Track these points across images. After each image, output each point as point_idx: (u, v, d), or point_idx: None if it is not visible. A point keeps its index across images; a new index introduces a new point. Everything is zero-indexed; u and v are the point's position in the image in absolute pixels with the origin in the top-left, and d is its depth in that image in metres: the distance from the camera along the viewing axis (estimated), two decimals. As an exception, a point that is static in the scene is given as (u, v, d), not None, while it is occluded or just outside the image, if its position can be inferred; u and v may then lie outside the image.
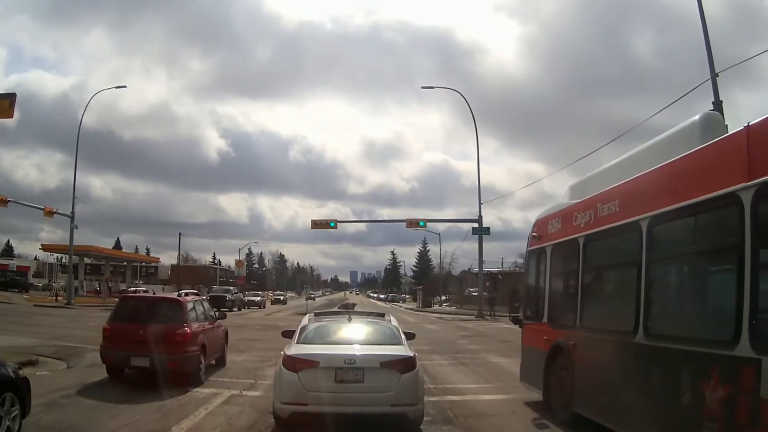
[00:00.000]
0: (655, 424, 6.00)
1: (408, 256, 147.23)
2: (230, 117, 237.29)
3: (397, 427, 7.71)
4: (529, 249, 11.11)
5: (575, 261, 8.48)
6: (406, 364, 7.71)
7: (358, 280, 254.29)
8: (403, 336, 8.47)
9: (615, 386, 6.95)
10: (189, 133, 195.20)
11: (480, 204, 39.54)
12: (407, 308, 74.67)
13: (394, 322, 9.08)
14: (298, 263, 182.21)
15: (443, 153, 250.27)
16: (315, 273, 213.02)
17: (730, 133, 5.64)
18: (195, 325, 12.23)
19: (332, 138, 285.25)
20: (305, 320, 9.00)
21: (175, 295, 14.09)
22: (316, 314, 9.56)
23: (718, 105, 15.76)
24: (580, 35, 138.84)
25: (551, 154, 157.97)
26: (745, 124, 5.12)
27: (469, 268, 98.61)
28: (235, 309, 45.81)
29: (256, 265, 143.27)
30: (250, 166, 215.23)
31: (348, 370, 7.58)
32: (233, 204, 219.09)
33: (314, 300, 66.44)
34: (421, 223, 42.25)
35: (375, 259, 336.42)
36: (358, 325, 8.94)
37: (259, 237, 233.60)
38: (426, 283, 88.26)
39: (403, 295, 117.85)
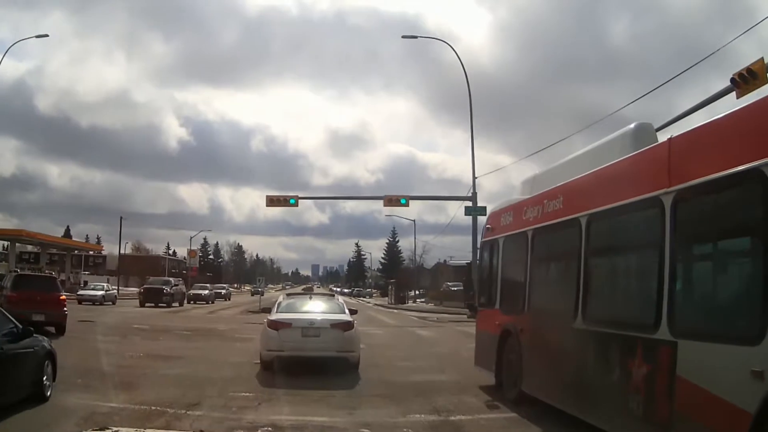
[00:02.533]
0: (590, 400, 6.76)
1: (373, 250, 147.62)
2: (191, 104, 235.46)
3: (341, 366, 12.06)
4: (483, 240, 11.84)
5: (524, 252, 9.30)
6: (347, 326, 12.43)
7: (320, 273, 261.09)
8: (347, 309, 13.39)
9: (556, 366, 7.65)
10: (148, 120, 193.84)
11: (474, 178, 34.02)
12: (377, 305, 69.74)
13: (340, 300, 14.48)
14: (257, 255, 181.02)
15: (409, 144, 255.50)
16: (275, 266, 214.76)
17: (655, 144, 6.57)
18: None
19: (296, 127, 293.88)
20: (281, 298, 14.05)
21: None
22: (288, 294, 15.70)
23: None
24: (552, 21, 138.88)
25: (520, 144, 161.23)
26: (668, 137, 5.99)
27: (445, 260, 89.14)
28: (176, 304, 41.61)
29: (212, 257, 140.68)
30: (210, 156, 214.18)
31: (310, 329, 12.22)
32: (193, 194, 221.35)
33: (262, 295, 61.71)
34: (402, 201, 36.44)
35: (337, 252, 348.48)
36: (317, 301, 14.09)
37: (219, 228, 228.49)
38: (398, 277, 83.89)
39: (369, 290, 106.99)
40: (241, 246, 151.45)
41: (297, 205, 34.74)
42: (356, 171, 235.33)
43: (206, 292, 51.95)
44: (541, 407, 8.20)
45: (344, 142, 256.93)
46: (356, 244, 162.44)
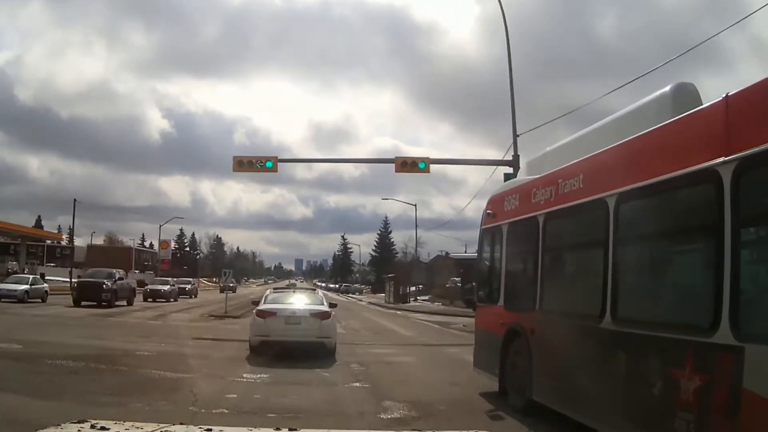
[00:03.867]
0: (622, 414, 6.05)
1: (359, 244, 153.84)
2: (173, 96, 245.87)
3: (320, 350, 14.55)
4: (483, 227, 11.01)
5: (534, 240, 8.55)
6: (324, 315, 14.97)
7: (304, 268, 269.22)
8: (325, 300, 16.30)
9: (577, 373, 6.99)
10: (130, 112, 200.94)
11: (516, 136, 24.80)
12: (372, 303, 64.56)
13: (320, 293, 18.58)
14: (237, 248, 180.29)
15: (394, 137, 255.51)
16: (257, 259, 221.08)
17: (708, 104, 5.58)
18: None
19: (279, 120, 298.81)
20: (268, 292, 16.97)
21: None
22: (274, 289, 18.70)
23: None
24: (540, 16, 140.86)
25: (507, 139, 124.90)
26: (724, 95, 5.12)
27: (446, 252, 78.80)
28: (122, 302, 34.61)
29: (188, 248, 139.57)
30: (192, 148, 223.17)
31: (292, 318, 14.82)
32: (175, 187, 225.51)
33: (234, 291, 56.94)
34: (421, 165, 26.75)
35: (321, 247, 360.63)
36: (299, 294, 17.06)
37: (201, 222, 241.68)
38: (396, 271, 75.64)
39: (358, 285, 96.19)
40: (220, 238, 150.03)
41: (275, 170, 27.25)
42: (340, 164, 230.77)
43: (167, 287, 45.89)
44: (553, 419, 7.50)
45: (328, 135, 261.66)
46: (342, 237, 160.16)
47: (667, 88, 6.62)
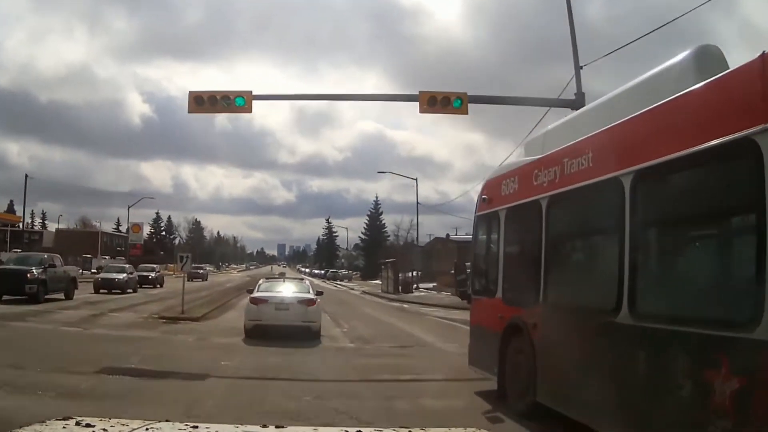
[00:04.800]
0: (642, 421, 5.63)
1: (341, 229, 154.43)
2: (154, 80, 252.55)
3: (306, 333, 16.74)
4: (477, 214, 10.48)
5: (536, 226, 8.02)
6: (310, 302, 17.46)
7: (287, 253, 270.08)
8: (312, 289, 18.95)
9: (588, 374, 6.56)
10: (110, 96, 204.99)
11: (579, 68, 18.78)
12: (366, 293, 58.35)
13: (307, 282, 21.02)
14: (218, 232, 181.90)
15: (378, 122, 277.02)
16: (239, 244, 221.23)
17: (741, 64, 5.04)
18: None
19: (262, 104, 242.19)
20: (261, 281, 19.60)
21: None
22: (267, 279, 21.07)
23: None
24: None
25: (491, 123, 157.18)
26: (761, 53, 4.66)
27: (448, 234, 71.63)
28: (60, 295, 28.20)
29: (165, 233, 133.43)
30: (174, 133, 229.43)
31: (282, 304, 17.19)
32: (157, 172, 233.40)
33: (204, 279, 58.26)
34: (456, 102, 18.61)
35: (304, 232, 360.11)
36: (288, 283, 19.78)
37: (183, 207, 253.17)
38: (399, 255, 67.23)
39: (345, 271, 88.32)
40: (199, 222, 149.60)
41: (248, 109, 19.57)
42: (324, 149, 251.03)
43: (122, 276, 38.41)
44: (559, 422, 7.12)
45: (312, 119, 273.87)
46: (327, 220, 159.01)
47: (689, 52, 6.08)
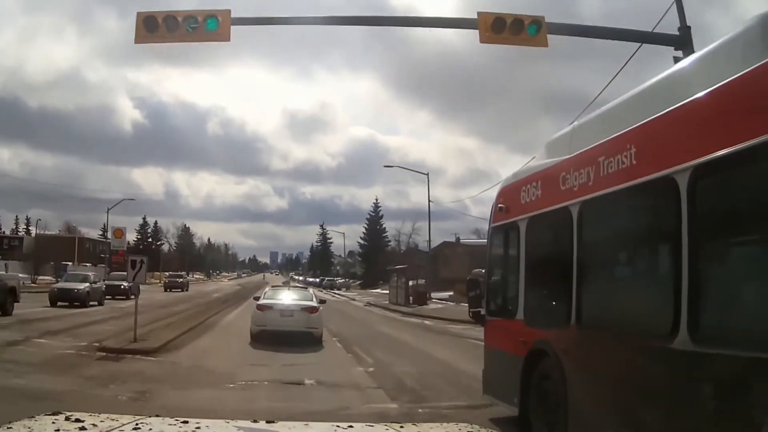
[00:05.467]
0: None
1: (335, 236, 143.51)
2: (145, 85, 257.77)
3: (308, 338, 18.21)
4: (493, 225, 9.69)
5: (566, 237, 7.18)
6: (313, 310, 19.13)
7: (279, 260, 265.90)
8: (315, 297, 20.79)
9: (632, 408, 5.83)
10: (101, 101, 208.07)
11: None
12: (371, 304, 50.36)
13: (310, 290, 23.25)
14: (209, 239, 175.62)
15: (371, 127, 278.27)
16: (230, 251, 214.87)
17: None
18: None
19: (254, 109, 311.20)
20: (266, 289, 22.90)
21: None
22: (272, 287, 23.92)
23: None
24: None
25: (486, 127, 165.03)
26: None
27: (457, 237, 66.32)
28: None
29: (151, 239, 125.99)
30: (165, 139, 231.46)
31: (286, 311, 18.81)
32: (148, 179, 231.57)
33: (184, 290, 54.23)
34: (531, 29, 13.35)
35: (297, 239, 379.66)
36: (293, 291, 21.62)
37: (175, 214, 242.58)
38: (402, 262, 61.28)
39: (343, 279, 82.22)
40: (188, 228, 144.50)
41: (224, 36, 13.61)
42: (316, 155, 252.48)
43: (83, 286, 32.50)
44: None
45: (304, 124, 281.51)
46: (321, 226, 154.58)
47: (753, 21, 5.30)
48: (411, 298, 47.44)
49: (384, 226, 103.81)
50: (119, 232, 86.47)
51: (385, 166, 65.18)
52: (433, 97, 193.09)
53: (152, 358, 14.75)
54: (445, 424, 2.79)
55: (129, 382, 11.45)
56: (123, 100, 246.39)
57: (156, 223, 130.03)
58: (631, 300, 6.40)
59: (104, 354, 14.88)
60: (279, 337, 17.77)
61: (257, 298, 20.61)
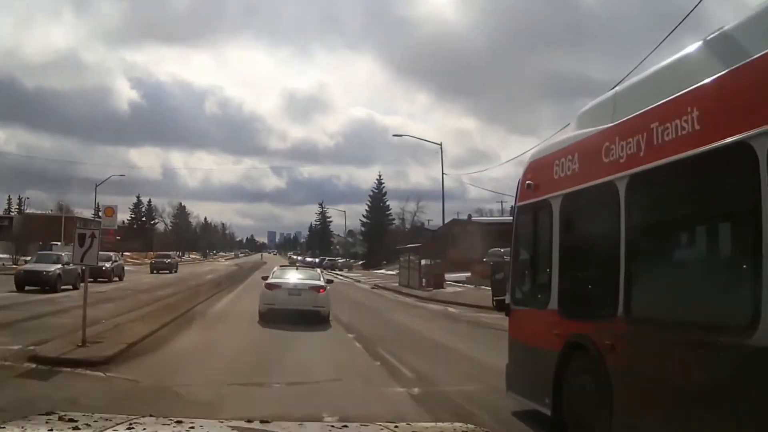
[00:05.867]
0: None
1: (336, 217, 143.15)
2: (142, 66, 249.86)
3: (315, 317, 18.78)
4: (519, 204, 8.88)
5: (611, 215, 6.38)
6: (320, 289, 19.81)
7: (277, 240, 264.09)
8: (322, 276, 21.63)
9: (696, 415, 5.13)
10: (98, 82, 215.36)
11: None
12: (378, 287, 46.26)
13: (318, 270, 24.65)
14: (205, 218, 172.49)
15: (370, 107, 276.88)
16: (227, 231, 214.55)
17: None
18: None
19: (252, 89, 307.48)
20: (275, 269, 22.67)
21: None
22: (280, 267, 25.06)
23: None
24: None
25: (485, 108, 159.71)
26: None
27: (469, 215, 62.69)
28: None
29: (145, 219, 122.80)
30: (163, 119, 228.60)
31: (294, 290, 19.44)
32: (146, 159, 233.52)
33: (172, 271, 50.11)
34: None
35: (295, 219, 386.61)
36: (302, 270, 23.17)
37: (173, 194, 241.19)
38: (425, 240, 58.40)
39: (344, 260, 78.62)
40: (184, 207, 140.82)
41: None
42: (314, 134, 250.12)
43: (53, 268, 28.63)
44: None
45: (302, 105, 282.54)
46: (320, 205, 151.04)
47: None
48: (425, 280, 42.48)
49: (387, 203, 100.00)
50: (110, 211, 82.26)
51: (394, 135, 62.40)
52: (433, 78, 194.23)
53: (100, 374, 10.38)
54: (439, 424, 2.94)
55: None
56: (120, 80, 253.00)
57: (150, 201, 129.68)
58: (694, 288, 5.69)
59: (34, 365, 10.54)
60: (286, 317, 18.19)
61: (265, 278, 21.42)
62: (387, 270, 72.53)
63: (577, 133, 7.64)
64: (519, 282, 8.90)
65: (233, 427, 2.53)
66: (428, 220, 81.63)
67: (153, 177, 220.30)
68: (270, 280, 20.31)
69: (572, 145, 7.54)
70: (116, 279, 39.39)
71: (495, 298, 9.34)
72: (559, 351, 7.12)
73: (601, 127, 6.98)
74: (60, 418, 2.57)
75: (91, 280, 35.18)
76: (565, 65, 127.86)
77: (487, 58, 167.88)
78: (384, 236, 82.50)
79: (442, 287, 40.38)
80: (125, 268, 49.31)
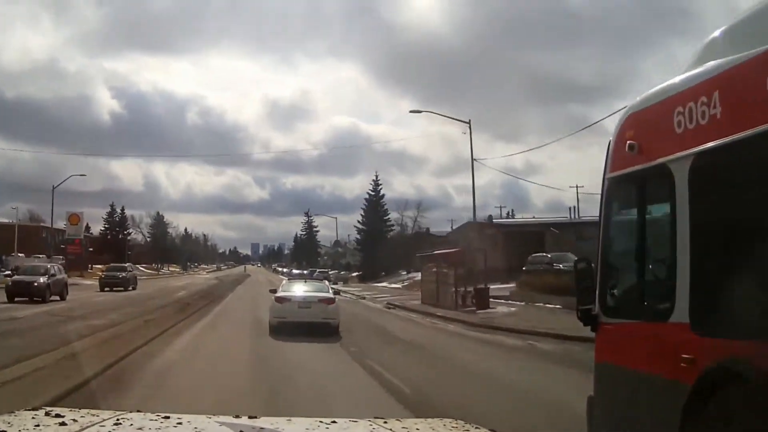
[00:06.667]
0: None
1: (323, 227, 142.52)
2: (123, 75, 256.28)
3: (326, 328, 19.24)
4: (615, 175, 6.50)
5: None
6: (330, 301, 20.69)
7: (260, 252, 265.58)
8: (330, 289, 23.66)
9: None
10: (78, 91, 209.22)
11: None
12: (396, 306, 34.67)
13: (326, 283, 28.08)
14: (186, 229, 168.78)
15: (354, 115, 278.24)
16: (209, 243, 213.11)
17: None
18: None
19: (234, 98, 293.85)
20: (284, 282, 27.27)
21: None
22: (289, 279, 34.61)
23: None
24: None
25: (471, 114, 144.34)
26: None
27: (491, 216, 57.41)
28: None
29: (118, 229, 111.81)
30: (144, 130, 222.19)
31: (304, 302, 20.21)
32: (127, 170, 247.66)
33: (130, 288, 42.87)
34: None
35: (278, 230, 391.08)
36: (310, 283, 24.43)
37: (155, 206, 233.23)
38: (416, 248, 54.01)
39: (335, 271, 67.73)
40: (162, 216, 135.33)
41: None
42: (298, 144, 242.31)
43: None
44: None
45: (285, 114, 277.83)
46: (306, 214, 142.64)
47: None
48: (462, 299, 30.75)
49: (386, 207, 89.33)
50: (75, 218, 76.28)
51: (411, 112, 55.53)
52: (417, 84, 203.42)
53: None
54: (429, 420, 2.78)
55: None
56: (101, 90, 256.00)
57: (123, 209, 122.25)
58: None
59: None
60: (297, 329, 18.73)
61: (273, 291, 22.60)
62: (389, 282, 66.69)
63: (713, 65, 5.37)
64: (614, 284, 6.71)
65: (221, 423, 2.47)
66: (426, 228, 75.45)
67: (135, 188, 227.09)
68: (279, 294, 21.30)
69: (708, 81, 5.31)
70: (55, 298, 32.26)
71: (580, 308, 6.81)
72: (693, 383, 5.04)
73: (752, 52, 4.90)
74: (47, 414, 2.53)
75: (24, 299, 27.29)
76: (550, 69, 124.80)
77: (471, 62, 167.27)
78: (382, 245, 74.37)
79: (488, 306, 29.90)
80: (84, 283, 41.02)
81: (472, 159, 40.88)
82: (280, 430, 2.53)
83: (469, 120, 41.14)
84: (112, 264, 56.63)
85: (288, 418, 2.70)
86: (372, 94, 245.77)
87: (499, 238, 48.69)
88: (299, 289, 21.55)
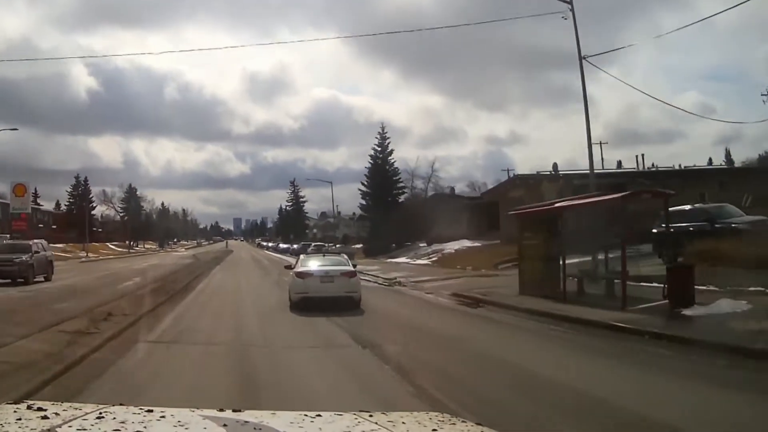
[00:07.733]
0: None
1: (311, 198, 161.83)
2: (99, 51, 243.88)
3: (348, 302, 19.13)
4: None
5: None
6: (351, 274, 20.54)
7: (243, 227, 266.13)
8: (350, 262, 22.15)
9: None
10: (54, 69, 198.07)
11: None
12: (464, 303, 19.92)
13: (344, 256, 23.69)
14: (162, 203, 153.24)
15: (334, 87, 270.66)
16: (189, 218, 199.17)
17: None
18: None
19: (213, 73, 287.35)
20: (302, 257, 23.37)
21: None
22: (307, 254, 28.18)
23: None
24: None
25: (451, 86, 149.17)
26: None
27: (556, 164, 51.04)
28: None
29: (85, 204, 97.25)
30: (122, 106, 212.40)
31: (326, 277, 20.00)
32: (106, 148, 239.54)
33: (30, 281, 28.43)
34: None
35: (260, 205, 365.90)
36: (328, 257, 24.30)
37: (135, 183, 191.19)
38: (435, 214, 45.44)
39: (331, 244, 53.19)
40: (135, 189, 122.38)
41: None
42: (278, 118, 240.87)
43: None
44: None
45: (265, 87, 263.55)
46: (292, 183, 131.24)
47: None
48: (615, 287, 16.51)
49: (395, 165, 70.61)
50: (20, 188, 63.06)
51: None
52: (399, 55, 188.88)
53: None
54: (415, 413, 2.71)
55: None
56: (77, 67, 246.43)
57: (86, 180, 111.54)
58: None
59: None
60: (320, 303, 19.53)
61: (288, 267, 23.98)
62: (408, 258, 49.33)
63: None
64: None
65: (205, 416, 2.39)
66: (450, 187, 63.11)
67: (114, 166, 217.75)
68: (300, 269, 20.69)
69: None
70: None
71: None
72: None
73: None
74: (29, 407, 2.47)
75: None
76: (531, 39, 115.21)
77: (452, 30, 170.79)
78: (393, 211, 58.98)
79: (693, 303, 13.85)
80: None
81: (580, 58, 25.68)
82: (265, 423, 2.38)
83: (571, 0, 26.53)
84: (5, 241, 36.78)
85: (272, 412, 2.52)
86: (352, 66, 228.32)
87: (567, 191, 31.14)
88: (319, 264, 21.11)
